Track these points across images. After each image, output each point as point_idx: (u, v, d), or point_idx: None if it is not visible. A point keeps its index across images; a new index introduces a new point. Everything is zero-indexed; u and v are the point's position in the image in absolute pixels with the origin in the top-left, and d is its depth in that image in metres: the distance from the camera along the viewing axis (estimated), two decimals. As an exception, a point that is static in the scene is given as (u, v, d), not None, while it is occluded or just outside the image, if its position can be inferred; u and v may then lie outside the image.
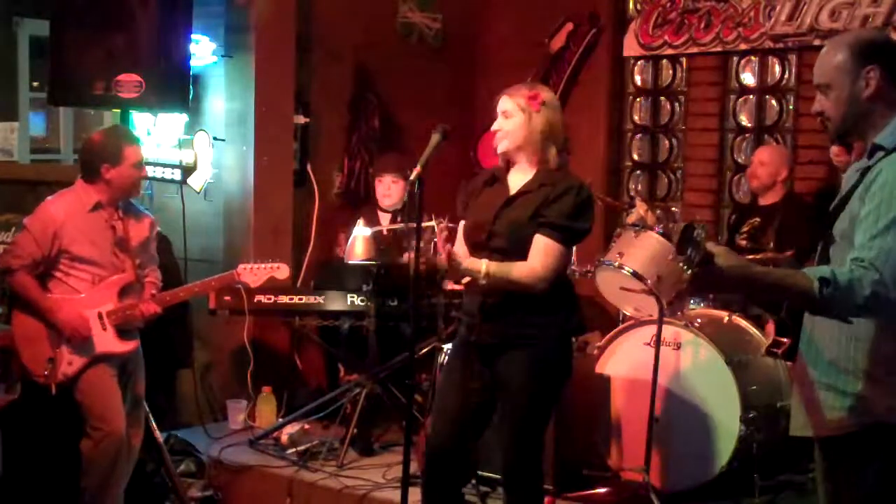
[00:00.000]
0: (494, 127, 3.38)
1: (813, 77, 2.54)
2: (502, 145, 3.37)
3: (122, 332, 4.10)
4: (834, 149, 4.63)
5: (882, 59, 2.45)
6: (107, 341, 4.05)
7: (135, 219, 4.20)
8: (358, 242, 4.52)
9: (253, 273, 4.33)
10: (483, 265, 3.24)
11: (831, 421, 2.47)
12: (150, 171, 5.35)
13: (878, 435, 2.42)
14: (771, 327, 4.24)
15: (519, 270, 3.26)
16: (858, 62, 2.44)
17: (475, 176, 3.63)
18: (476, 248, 3.42)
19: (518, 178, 3.40)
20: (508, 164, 3.44)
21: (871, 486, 2.44)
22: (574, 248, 3.80)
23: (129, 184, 4.09)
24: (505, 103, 3.36)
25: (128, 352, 4.13)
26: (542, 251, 3.26)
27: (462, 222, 3.54)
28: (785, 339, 2.53)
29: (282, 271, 4.38)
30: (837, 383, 2.46)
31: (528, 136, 3.33)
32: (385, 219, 5.28)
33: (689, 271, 2.19)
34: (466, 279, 3.32)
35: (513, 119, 3.33)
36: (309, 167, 5.73)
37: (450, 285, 4.97)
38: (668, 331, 4.29)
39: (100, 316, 4.04)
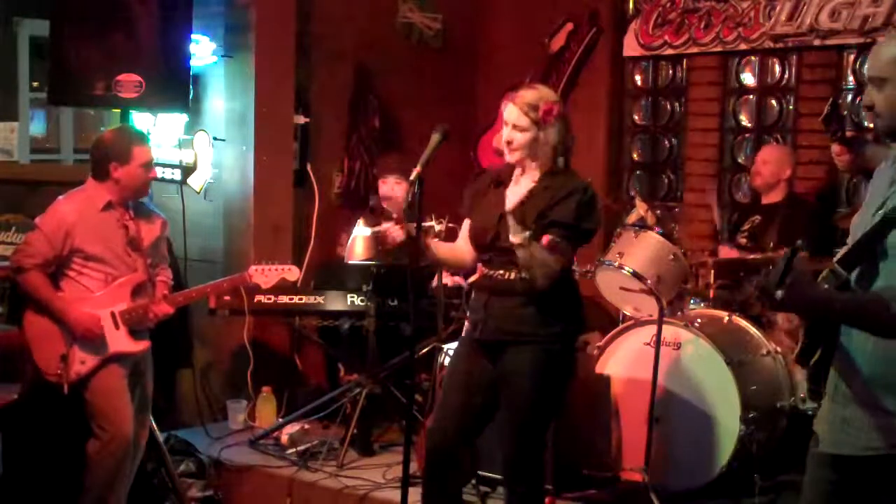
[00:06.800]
0: (506, 138, 3.38)
1: (867, 69, 2.45)
2: (514, 156, 3.39)
3: (134, 332, 4.09)
4: (835, 148, 4.58)
5: None
6: (120, 341, 4.04)
7: (146, 218, 4.21)
8: (358, 242, 4.51)
9: (264, 274, 4.33)
10: (528, 233, 3.19)
11: (870, 440, 2.37)
12: (152, 172, 5.36)
13: None
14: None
15: (541, 253, 3.21)
16: None
17: (481, 175, 3.65)
18: (481, 250, 3.45)
19: (525, 182, 3.43)
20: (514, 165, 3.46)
21: None
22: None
23: (138, 183, 4.08)
24: (518, 117, 3.35)
25: (140, 352, 4.13)
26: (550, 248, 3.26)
27: (467, 221, 3.55)
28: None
29: (292, 273, 4.40)
30: (877, 401, 2.36)
31: (540, 149, 3.36)
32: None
33: (779, 291, 2.24)
34: (478, 273, 3.38)
35: (527, 134, 3.34)
36: (309, 167, 5.72)
37: (449, 280, 4.98)
38: (668, 331, 4.29)
39: (113, 315, 4.03)
